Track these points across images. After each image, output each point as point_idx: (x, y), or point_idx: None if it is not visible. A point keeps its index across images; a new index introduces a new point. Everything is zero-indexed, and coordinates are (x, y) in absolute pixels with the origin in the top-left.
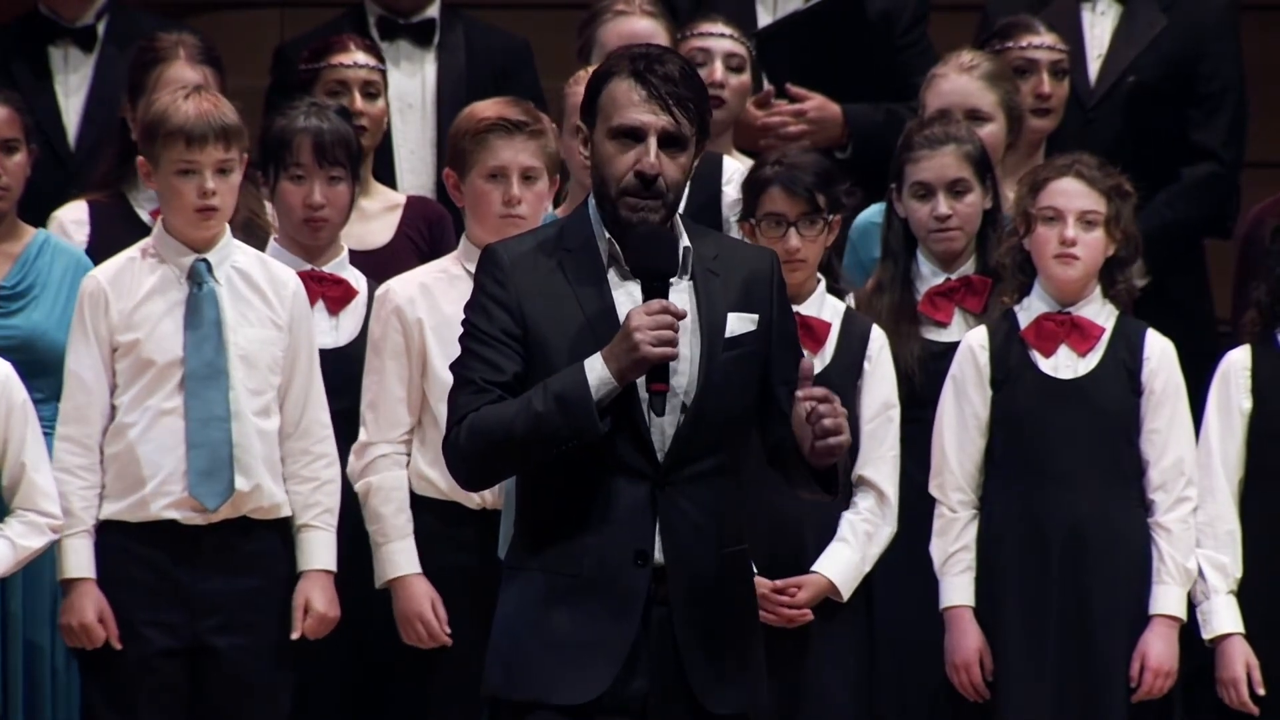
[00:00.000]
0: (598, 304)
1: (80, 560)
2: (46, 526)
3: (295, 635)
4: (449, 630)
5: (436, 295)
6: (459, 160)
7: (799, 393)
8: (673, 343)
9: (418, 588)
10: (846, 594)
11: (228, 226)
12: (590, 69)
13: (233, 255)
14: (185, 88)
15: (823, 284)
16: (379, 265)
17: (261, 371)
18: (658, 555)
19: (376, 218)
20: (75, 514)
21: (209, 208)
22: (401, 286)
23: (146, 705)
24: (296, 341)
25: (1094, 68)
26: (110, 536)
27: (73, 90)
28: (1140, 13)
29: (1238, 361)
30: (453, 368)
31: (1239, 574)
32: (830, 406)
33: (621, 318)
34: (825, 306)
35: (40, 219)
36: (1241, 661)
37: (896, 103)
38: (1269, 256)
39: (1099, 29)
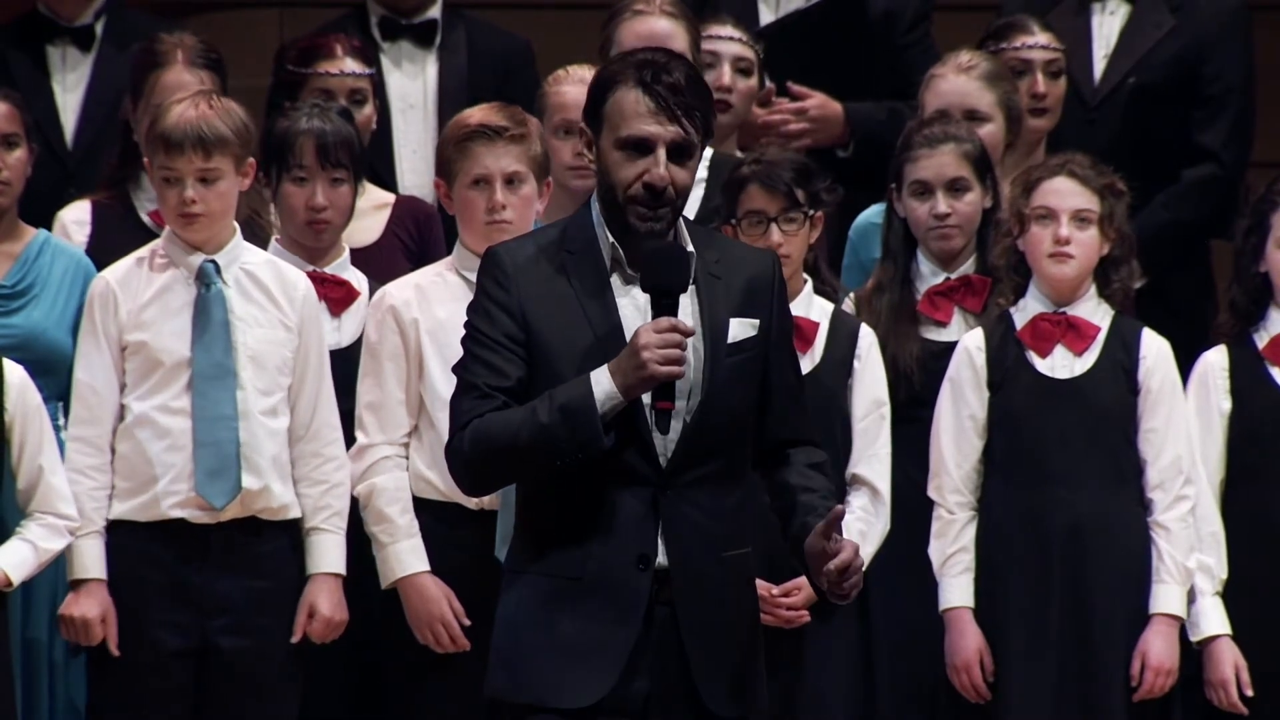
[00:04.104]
0: (601, 309)
1: (91, 561)
2: (65, 528)
3: (296, 638)
4: (467, 624)
5: (431, 299)
6: (445, 169)
7: (829, 546)
8: (680, 361)
9: (430, 588)
10: None
11: (237, 227)
12: (569, 70)
13: (242, 257)
14: (193, 92)
15: (810, 284)
16: (367, 263)
17: (270, 372)
18: (661, 558)
19: (365, 216)
20: (86, 514)
21: (190, 214)
22: (398, 289)
23: (154, 706)
24: (307, 344)
25: (1099, 67)
26: (120, 536)
27: (70, 89)
28: (1148, 13)
29: (1215, 363)
30: (455, 371)
31: (1224, 575)
32: (859, 576)
33: (625, 322)
34: (813, 306)
35: (38, 218)
36: (1230, 663)
37: (899, 101)
38: (1242, 256)
39: (1108, 28)
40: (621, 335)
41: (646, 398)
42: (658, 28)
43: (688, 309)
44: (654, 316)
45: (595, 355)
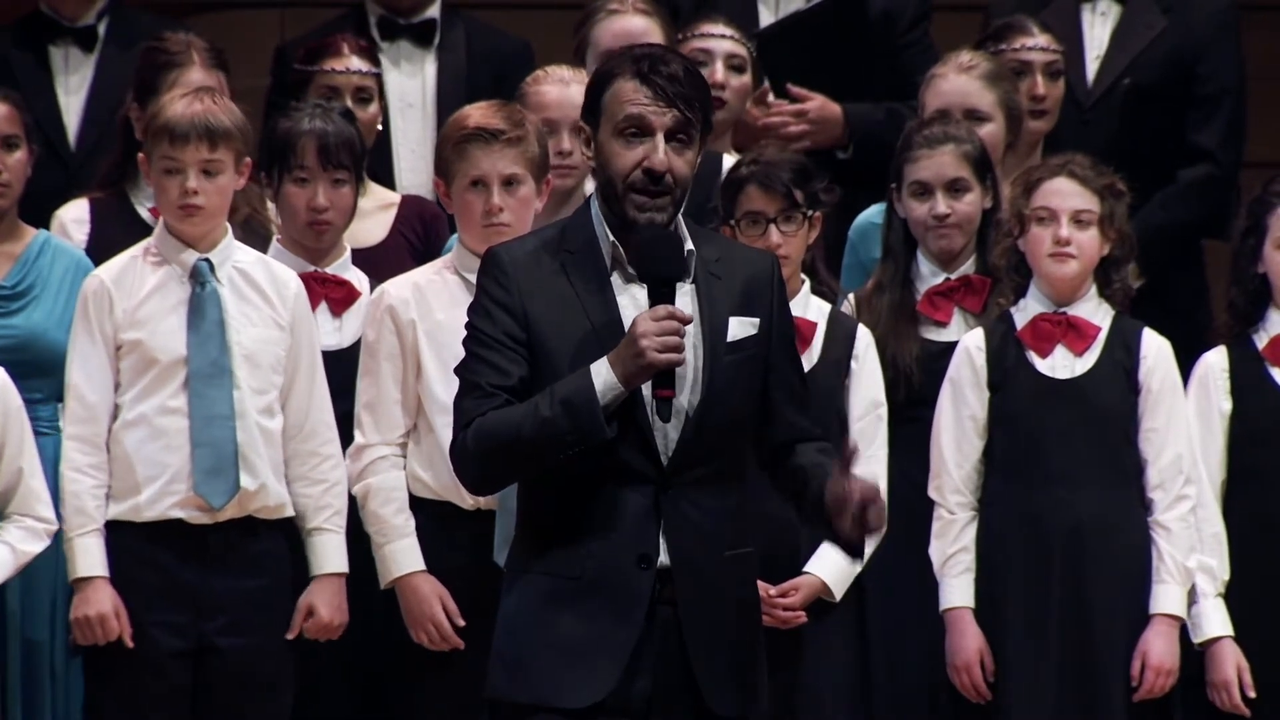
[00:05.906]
0: (601, 307)
1: (93, 559)
2: (43, 531)
3: (291, 635)
4: (460, 624)
5: (430, 299)
6: (443, 169)
7: (848, 483)
8: (679, 349)
9: (424, 587)
10: (839, 594)
11: (229, 226)
12: (548, 70)
13: (234, 255)
14: (194, 89)
15: (807, 284)
16: (373, 263)
17: (264, 371)
18: (662, 558)
19: (371, 216)
20: (88, 513)
21: (191, 205)
22: (396, 289)
23: (153, 707)
24: (299, 343)
25: (1092, 68)
26: (116, 537)
27: (73, 90)
28: (1140, 13)
29: (1215, 364)
30: (457, 371)
31: (1226, 576)
32: (878, 507)
33: (625, 320)
34: (810, 307)
35: (40, 219)
36: (1233, 664)
37: (898, 102)
38: (1239, 257)
39: (1099, 29)
40: (622, 333)
41: (647, 390)
42: (633, 25)
43: (688, 307)
44: (651, 305)
45: (596, 354)
